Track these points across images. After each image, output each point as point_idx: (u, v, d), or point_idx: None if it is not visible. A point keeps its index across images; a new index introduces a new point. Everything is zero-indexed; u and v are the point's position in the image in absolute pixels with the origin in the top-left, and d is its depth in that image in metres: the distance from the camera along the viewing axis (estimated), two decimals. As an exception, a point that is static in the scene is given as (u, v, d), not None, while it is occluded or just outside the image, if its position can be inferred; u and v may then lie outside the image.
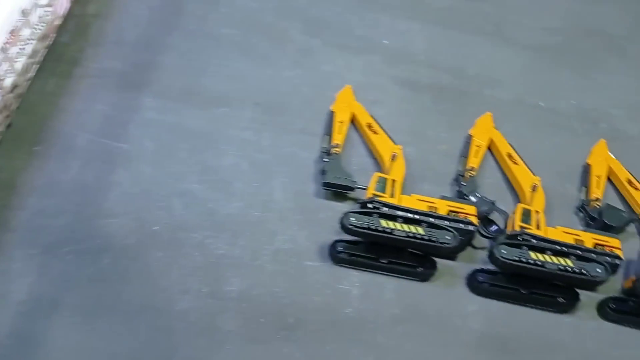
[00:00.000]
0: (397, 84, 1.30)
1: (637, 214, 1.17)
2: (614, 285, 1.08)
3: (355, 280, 1.04)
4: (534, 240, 1.02)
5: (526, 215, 1.07)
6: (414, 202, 1.07)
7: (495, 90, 1.33)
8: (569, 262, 0.99)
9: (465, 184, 1.13)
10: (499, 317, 1.04)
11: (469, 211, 1.07)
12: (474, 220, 1.05)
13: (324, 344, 0.97)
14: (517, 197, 1.17)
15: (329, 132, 1.18)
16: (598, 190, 1.19)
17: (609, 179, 1.24)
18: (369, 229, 0.98)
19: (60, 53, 1.22)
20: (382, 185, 1.07)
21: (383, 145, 1.16)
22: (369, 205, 1.03)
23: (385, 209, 1.02)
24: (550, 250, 1.00)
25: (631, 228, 1.18)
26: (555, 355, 1.01)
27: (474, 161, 1.18)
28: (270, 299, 1.00)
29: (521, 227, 1.05)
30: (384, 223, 0.99)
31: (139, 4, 1.30)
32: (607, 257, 1.03)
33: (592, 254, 1.02)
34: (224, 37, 1.28)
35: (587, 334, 1.05)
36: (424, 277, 1.06)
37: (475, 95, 1.30)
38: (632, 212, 1.19)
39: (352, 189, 1.09)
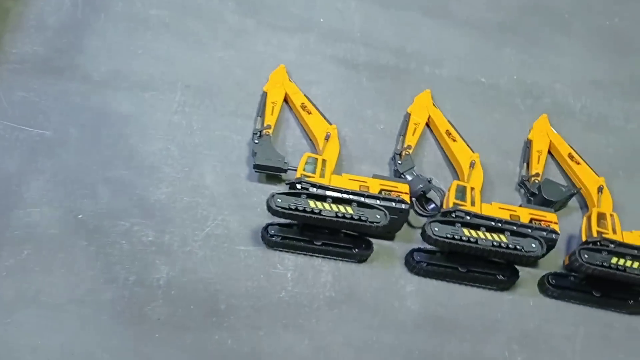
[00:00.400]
0: (334, 63, 1.27)
1: (579, 188, 1.16)
2: (556, 261, 1.07)
3: (289, 264, 1.02)
4: (468, 217, 1.00)
5: (461, 192, 1.05)
6: (345, 181, 1.05)
7: (436, 67, 1.31)
8: (503, 238, 0.97)
9: (401, 163, 1.11)
10: (438, 296, 1.03)
11: (402, 189, 1.05)
12: (407, 198, 1.03)
13: (257, 330, 0.94)
14: (456, 174, 1.16)
15: (261, 113, 1.15)
16: (539, 166, 1.17)
17: (551, 154, 1.24)
18: (296, 209, 0.95)
19: (-22, 39, 1.19)
20: (312, 165, 1.04)
21: (317, 125, 1.13)
22: (298, 186, 1.00)
23: (313, 189, 0.99)
24: (485, 226, 0.98)
25: (574, 203, 1.18)
26: (495, 333, 1.00)
27: (411, 139, 1.16)
28: (201, 285, 0.97)
29: (455, 203, 1.04)
30: (312, 204, 0.96)
31: (62, -15, 1.26)
32: (543, 232, 1.01)
33: (528, 229, 1.01)
34: (153, 18, 1.23)
35: (528, 310, 1.04)
36: (360, 259, 1.04)
37: (414, 73, 1.28)
38: (573, 186, 1.18)
39: (284, 170, 1.06)
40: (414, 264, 1.03)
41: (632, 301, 1.05)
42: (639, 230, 1.08)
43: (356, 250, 1.04)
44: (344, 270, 1.02)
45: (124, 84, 1.16)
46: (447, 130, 1.18)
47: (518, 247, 0.97)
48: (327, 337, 0.95)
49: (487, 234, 0.97)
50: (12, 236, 0.97)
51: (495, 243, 0.96)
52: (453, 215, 1.01)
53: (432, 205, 1.09)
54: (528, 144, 1.21)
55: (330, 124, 1.15)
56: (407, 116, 1.21)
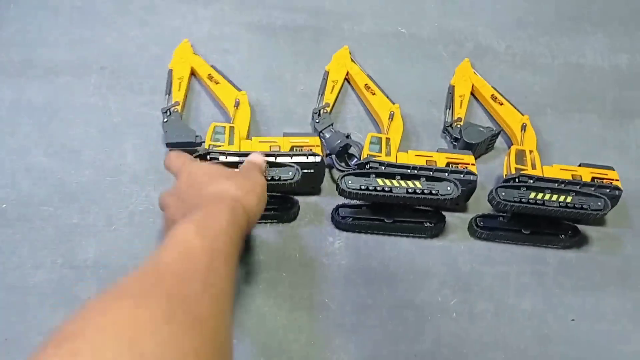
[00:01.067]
0: (250, 31, 1.26)
1: (500, 128, 1.15)
2: (485, 204, 1.04)
3: (216, 232, 1.04)
4: (382, 167, 1.01)
5: (376, 144, 1.05)
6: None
7: (355, 24, 1.30)
8: (418, 184, 0.97)
9: (319, 121, 1.11)
10: (367, 250, 1.03)
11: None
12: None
13: (188, 299, 0.97)
14: (379, 128, 1.16)
15: (168, 91, 1.15)
16: (461, 110, 1.17)
17: (475, 98, 1.23)
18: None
19: None
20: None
21: (225, 94, 1.13)
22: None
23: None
24: (399, 174, 0.98)
25: (502, 144, 1.18)
26: (427, 280, 1.00)
27: (329, 97, 1.16)
28: (129, 261, 0.98)
29: (369, 155, 1.03)
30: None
31: (-31, -21, 1.26)
32: (459, 175, 1.01)
33: (444, 173, 1.00)
34: (64, 4, 1.23)
35: (459, 254, 1.04)
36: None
37: (333, 31, 1.27)
38: (498, 126, 1.18)
39: (198, 144, 1.06)
40: (339, 219, 1.04)
41: (562, 235, 1.05)
42: (559, 164, 1.08)
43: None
44: (270, 232, 1.02)
45: (38, 72, 1.16)
46: (366, 85, 1.17)
47: (433, 191, 0.96)
48: (257, 301, 0.96)
49: (402, 182, 0.97)
50: None
51: (410, 190, 0.96)
52: (367, 166, 1.01)
53: (355, 160, 1.09)
54: (451, 90, 1.21)
55: (240, 90, 1.15)
56: (326, 74, 1.20)
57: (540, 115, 1.19)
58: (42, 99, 1.12)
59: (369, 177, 0.98)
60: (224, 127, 1.07)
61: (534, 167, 1.05)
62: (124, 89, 1.15)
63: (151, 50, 1.21)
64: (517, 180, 1.02)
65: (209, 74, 1.17)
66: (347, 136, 1.08)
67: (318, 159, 1.02)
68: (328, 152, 1.08)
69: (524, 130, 1.13)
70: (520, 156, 1.07)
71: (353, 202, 1.05)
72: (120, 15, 1.26)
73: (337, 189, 0.98)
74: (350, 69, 1.20)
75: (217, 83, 1.15)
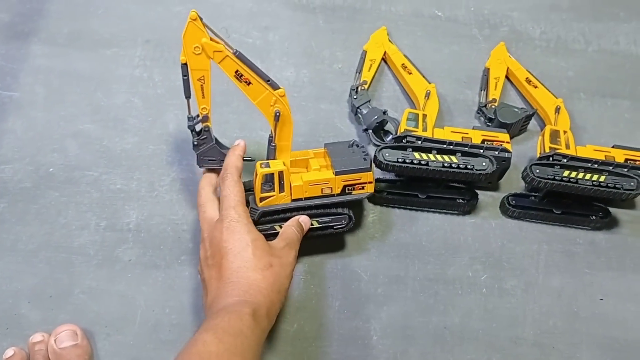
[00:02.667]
0: (290, 8, 1.29)
1: (534, 109, 1.17)
2: (518, 183, 1.08)
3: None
4: (419, 142, 1.03)
5: (413, 119, 1.07)
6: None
7: (392, 5, 1.32)
8: (454, 159, 0.99)
9: (356, 97, 1.13)
10: (399, 224, 1.05)
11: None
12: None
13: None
14: (414, 106, 1.18)
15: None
16: (495, 92, 1.19)
17: (510, 81, 1.25)
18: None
19: (-55, 10, 1.23)
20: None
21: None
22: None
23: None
24: (436, 149, 1.00)
25: (536, 127, 1.19)
26: (458, 255, 1.02)
27: (367, 75, 1.19)
28: (169, 227, 1.02)
29: (406, 130, 1.06)
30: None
31: (22, -47, 1.30)
32: (494, 151, 1.03)
33: (479, 149, 1.02)
34: (111, -22, 1.28)
35: (490, 231, 1.06)
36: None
37: (370, 11, 1.29)
38: (530, 108, 1.19)
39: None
40: (374, 193, 1.05)
41: (593, 217, 1.06)
42: (592, 144, 1.10)
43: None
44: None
45: (86, 43, 1.20)
46: (403, 64, 1.20)
47: (469, 166, 0.99)
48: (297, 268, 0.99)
49: (438, 156, 1.00)
50: (-13, 191, 1.05)
51: (445, 164, 0.99)
52: (404, 140, 1.03)
53: (390, 136, 1.12)
54: (485, 72, 1.23)
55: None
56: (364, 53, 1.23)
57: (574, 99, 1.21)
58: (89, 70, 1.16)
59: (406, 150, 1.00)
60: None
61: (567, 147, 1.06)
62: (167, 61, 1.19)
63: None
64: (551, 158, 1.04)
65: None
66: (384, 112, 1.10)
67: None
68: (365, 127, 1.11)
69: (558, 113, 1.15)
70: (555, 136, 1.08)
71: (388, 176, 1.08)
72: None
73: (374, 161, 1.01)
74: (388, 49, 1.22)
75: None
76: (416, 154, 1.00)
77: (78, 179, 1.05)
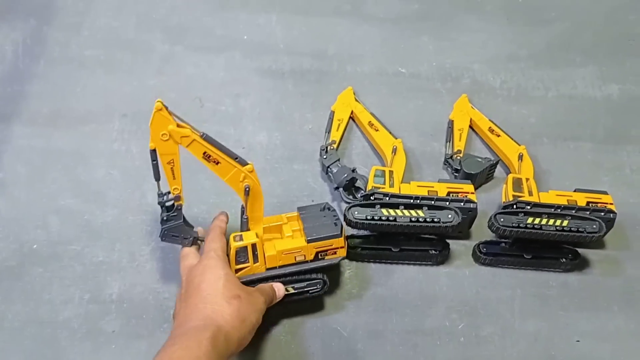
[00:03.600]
0: (259, 75, 1.35)
1: (498, 158, 1.21)
2: (488, 231, 1.08)
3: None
4: (386, 198, 1.06)
5: (380, 176, 1.11)
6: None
7: (357, 65, 1.38)
8: (421, 213, 1.03)
9: (326, 157, 1.18)
10: (376, 278, 1.08)
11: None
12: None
13: (206, 330, 1.02)
14: (383, 162, 1.22)
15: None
16: (460, 143, 1.23)
17: (474, 131, 1.30)
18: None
19: None
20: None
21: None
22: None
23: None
24: (403, 204, 1.03)
25: (502, 174, 1.23)
26: (434, 305, 1.05)
27: (335, 135, 1.23)
28: (151, 295, 1.04)
29: (373, 187, 1.09)
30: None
31: (3, 40, 1.36)
32: (460, 203, 1.06)
33: (444, 202, 1.06)
34: (88, 58, 1.34)
35: (465, 280, 1.09)
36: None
37: (337, 73, 1.35)
38: (495, 157, 1.24)
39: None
40: (349, 250, 1.08)
41: (563, 259, 1.09)
42: (555, 190, 1.13)
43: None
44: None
45: (65, 121, 1.26)
46: (370, 122, 1.25)
47: (435, 219, 1.02)
48: (271, 328, 1.01)
49: (406, 212, 1.03)
50: (-28, 273, 1.08)
51: (413, 219, 1.02)
52: (372, 198, 1.07)
53: (362, 192, 1.15)
54: (450, 124, 1.27)
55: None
56: (332, 114, 1.28)
57: (537, 144, 1.25)
58: (69, 146, 1.21)
59: (374, 207, 1.04)
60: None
61: (530, 194, 1.10)
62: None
63: (169, 96, 1.24)
64: (514, 206, 1.07)
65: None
66: (353, 170, 1.15)
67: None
68: (336, 185, 1.15)
69: (521, 160, 1.19)
70: (518, 184, 1.12)
71: (361, 232, 1.11)
72: (140, 65, 1.36)
73: (344, 220, 1.04)
74: (355, 108, 1.27)
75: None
76: (384, 211, 1.03)
77: (61, 254, 1.08)
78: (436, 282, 1.09)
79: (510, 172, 1.20)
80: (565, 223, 1.04)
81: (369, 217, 1.03)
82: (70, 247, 1.09)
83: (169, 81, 1.32)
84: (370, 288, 1.07)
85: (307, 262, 0.99)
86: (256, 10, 1.46)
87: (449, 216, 1.04)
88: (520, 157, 1.20)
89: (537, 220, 1.04)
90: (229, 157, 0.90)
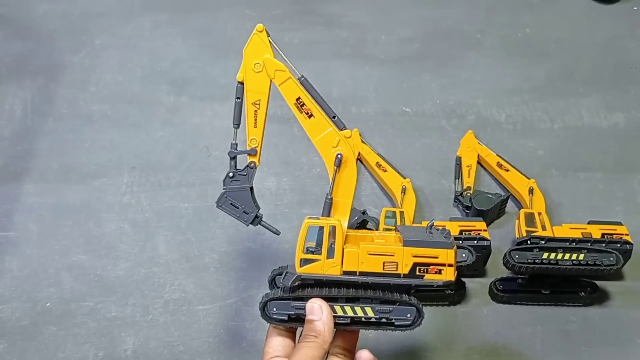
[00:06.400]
0: (267, 121, 1.37)
1: (508, 193, 1.21)
2: (503, 267, 1.08)
3: (246, 315, 1.07)
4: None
5: (391, 217, 1.10)
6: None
7: (362, 106, 1.40)
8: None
9: (335, 200, 1.18)
10: (392, 319, 1.08)
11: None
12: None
13: (223, 382, 1.00)
14: (393, 202, 1.22)
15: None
16: (469, 180, 1.23)
17: (483, 167, 1.29)
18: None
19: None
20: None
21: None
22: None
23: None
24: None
25: (514, 209, 1.22)
26: (454, 346, 1.03)
27: (343, 177, 1.24)
28: (166, 349, 1.03)
29: (385, 229, 1.08)
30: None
31: (12, 99, 1.39)
32: (473, 241, 1.05)
33: (458, 242, 1.04)
34: (96, 113, 1.36)
35: (483, 319, 1.07)
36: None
37: (342, 114, 1.28)
38: (505, 192, 1.23)
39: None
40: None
41: (582, 293, 1.08)
42: (568, 223, 1.13)
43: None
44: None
45: (75, 176, 1.27)
46: (377, 163, 1.25)
47: (449, 259, 1.02)
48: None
49: (420, 252, 1.03)
50: (-14, 334, 1.07)
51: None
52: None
53: (373, 235, 1.15)
54: (458, 161, 1.28)
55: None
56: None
57: (547, 177, 1.25)
58: (79, 201, 1.22)
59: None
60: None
61: (544, 228, 1.09)
62: (153, 185, 1.24)
63: (176, 147, 1.31)
64: (528, 242, 1.06)
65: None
66: (364, 212, 1.14)
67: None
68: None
69: (532, 194, 1.18)
70: (530, 219, 1.11)
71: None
72: (146, 118, 1.38)
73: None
74: (362, 150, 1.28)
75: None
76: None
77: (74, 311, 1.07)
78: (454, 323, 1.07)
79: (522, 207, 1.20)
80: (581, 257, 1.02)
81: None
82: (83, 304, 1.09)
83: (176, 132, 1.33)
84: (386, 332, 1.06)
85: (399, 275, 0.75)
86: (259, 57, 1.48)
87: (463, 255, 1.03)
88: (531, 190, 1.19)
89: (552, 255, 1.03)
90: (326, 113, 0.76)
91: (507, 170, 1.24)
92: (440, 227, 0.82)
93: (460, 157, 1.28)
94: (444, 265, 0.75)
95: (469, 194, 1.20)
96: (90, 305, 1.09)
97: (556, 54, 1.51)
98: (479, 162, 1.29)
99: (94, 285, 1.11)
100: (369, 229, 1.16)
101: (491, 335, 1.05)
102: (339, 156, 0.77)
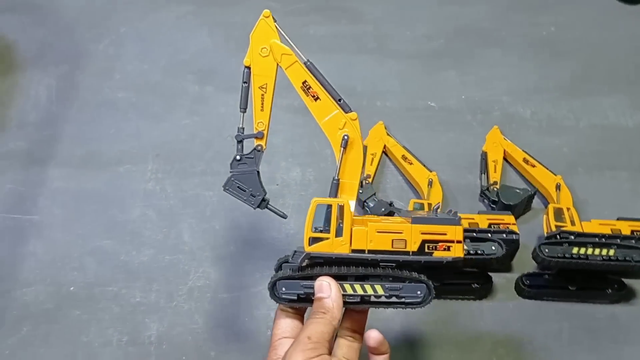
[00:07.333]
0: (290, 112, 1.33)
1: (535, 189, 1.20)
2: (531, 263, 1.07)
3: (272, 304, 1.06)
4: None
5: (417, 209, 1.10)
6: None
7: (387, 100, 1.39)
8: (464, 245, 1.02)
9: (362, 192, 1.17)
10: (418, 314, 1.05)
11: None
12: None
13: (248, 371, 0.99)
14: (418, 194, 1.22)
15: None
16: (495, 174, 1.23)
17: (508, 162, 1.29)
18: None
19: (-32, 144, 1.33)
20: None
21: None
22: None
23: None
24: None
25: (539, 205, 1.22)
26: (480, 341, 1.02)
27: (369, 169, 1.24)
28: (190, 336, 1.02)
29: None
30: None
31: (37, 86, 1.39)
32: (502, 234, 1.05)
33: (487, 234, 1.04)
34: (120, 101, 1.36)
35: (509, 314, 1.06)
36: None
37: (367, 108, 1.36)
38: (530, 187, 1.22)
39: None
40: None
41: (609, 290, 1.07)
42: (597, 219, 1.12)
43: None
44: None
45: (99, 163, 1.27)
46: (403, 155, 1.25)
47: (479, 251, 1.00)
48: None
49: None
50: (11, 316, 1.05)
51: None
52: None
53: (399, 227, 1.14)
54: (484, 156, 1.27)
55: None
56: (365, 148, 1.27)
57: (572, 174, 1.24)
58: (104, 188, 1.22)
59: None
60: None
61: (572, 223, 1.08)
62: (178, 172, 1.24)
63: (201, 135, 1.31)
64: (558, 237, 1.06)
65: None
66: (390, 204, 1.14)
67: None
68: (373, 220, 1.14)
69: (559, 190, 1.18)
70: (559, 214, 1.11)
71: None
72: (172, 107, 1.38)
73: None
74: (387, 142, 1.28)
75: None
76: (427, 244, 1.03)
77: (98, 295, 1.07)
78: (480, 317, 1.06)
79: (548, 203, 1.19)
80: (611, 252, 1.02)
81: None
82: (107, 289, 1.08)
83: (201, 121, 1.33)
84: (413, 324, 1.04)
85: (408, 253, 0.76)
86: (284, 49, 1.49)
87: (493, 248, 1.02)
88: (558, 187, 1.19)
89: (582, 250, 1.02)
90: (332, 96, 0.78)
91: (534, 166, 1.24)
92: (449, 209, 0.82)
93: (486, 152, 1.27)
94: (452, 241, 0.76)
95: (495, 189, 1.19)
96: (115, 290, 1.08)
97: (580, 53, 1.50)
98: (504, 158, 1.28)
99: (118, 270, 1.11)
100: (395, 221, 1.16)
101: (517, 330, 1.04)
102: (345, 137, 0.78)
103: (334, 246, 0.75)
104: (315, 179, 1.25)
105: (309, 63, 0.79)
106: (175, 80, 1.39)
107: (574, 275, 1.08)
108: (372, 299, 0.76)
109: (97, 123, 1.34)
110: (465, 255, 0.96)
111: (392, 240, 0.75)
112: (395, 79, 1.45)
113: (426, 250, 0.76)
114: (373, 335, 0.74)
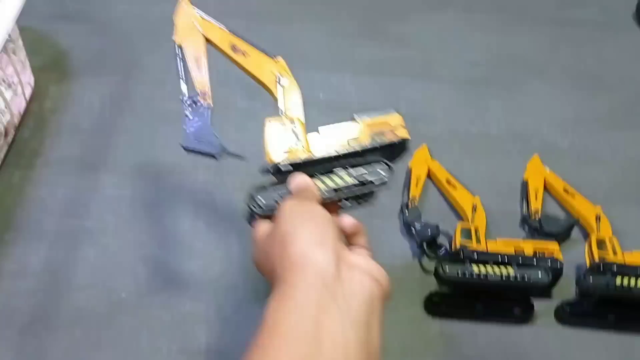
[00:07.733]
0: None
1: (575, 219, 1.23)
2: (569, 290, 1.12)
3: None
4: (475, 255, 1.07)
5: (466, 233, 1.13)
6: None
7: (430, 124, 1.42)
8: (511, 271, 1.04)
9: (408, 214, 1.20)
10: (461, 336, 1.08)
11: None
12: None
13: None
14: (461, 218, 1.24)
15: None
16: (537, 203, 1.25)
17: (547, 191, 1.32)
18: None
19: (22, 147, 1.33)
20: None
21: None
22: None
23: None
24: (492, 261, 1.05)
25: (577, 234, 1.24)
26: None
27: (415, 191, 1.26)
28: (238, 348, 1.01)
29: (462, 244, 1.12)
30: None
31: (91, 94, 1.41)
32: (547, 262, 1.08)
33: (532, 260, 1.07)
34: (171, 111, 1.35)
35: (549, 340, 1.09)
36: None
37: (411, 131, 1.37)
38: (571, 217, 1.25)
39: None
40: (432, 306, 1.10)
41: (648, 320, 1.11)
42: (638, 250, 1.14)
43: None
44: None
45: (150, 171, 1.29)
46: (447, 179, 1.28)
47: (525, 277, 1.04)
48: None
49: (495, 268, 1.05)
50: (64, 320, 1.07)
51: (504, 276, 1.04)
52: (461, 254, 1.09)
53: (443, 249, 1.17)
54: (525, 184, 1.30)
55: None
56: (409, 171, 1.31)
57: (610, 206, 1.25)
58: (155, 196, 1.24)
59: (464, 264, 1.06)
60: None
61: (614, 253, 1.12)
62: (229, 185, 1.26)
63: (250, 150, 1.31)
64: (601, 267, 1.08)
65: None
66: (437, 227, 1.16)
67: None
68: (419, 241, 1.16)
69: (599, 221, 1.21)
70: (601, 244, 1.14)
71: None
72: (222, 121, 1.34)
73: (434, 275, 1.06)
74: (431, 165, 1.30)
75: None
76: (474, 267, 1.05)
77: (149, 303, 1.09)
78: (520, 342, 1.08)
79: (587, 233, 1.22)
80: (654, 283, 1.06)
81: (460, 274, 1.04)
82: (157, 297, 1.11)
83: (250, 136, 1.33)
84: (456, 347, 1.07)
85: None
86: (330, 70, 1.51)
87: (539, 275, 1.06)
88: (598, 218, 1.22)
89: (625, 281, 1.05)
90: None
91: (573, 196, 1.27)
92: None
93: (527, 181, 1.30)
94: (396, 126, 0.98)
95: (537, 217, 1.23)
96: (164, 298, 1.11)
97: (619, 88, 1.53)
98: (545, 187, 1.31)
99: (168, 279, 1.13)
100: (440, 244, 1.18)
101: (556, 357, 1.07)
102: (278, 75, 0.98)
103: (297, 154, 0.92)
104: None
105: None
106: (225, 94, 1.39)
107: (615, 304, 1.10)
108: (344, 189, 0.89)
109: (148, 132, 1.36)
110: (512, 280, 1.03)
111: (348, 142, 0.95)
112: (439, 103, 1.48)
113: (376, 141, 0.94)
114: (346, 220, 0.84)
